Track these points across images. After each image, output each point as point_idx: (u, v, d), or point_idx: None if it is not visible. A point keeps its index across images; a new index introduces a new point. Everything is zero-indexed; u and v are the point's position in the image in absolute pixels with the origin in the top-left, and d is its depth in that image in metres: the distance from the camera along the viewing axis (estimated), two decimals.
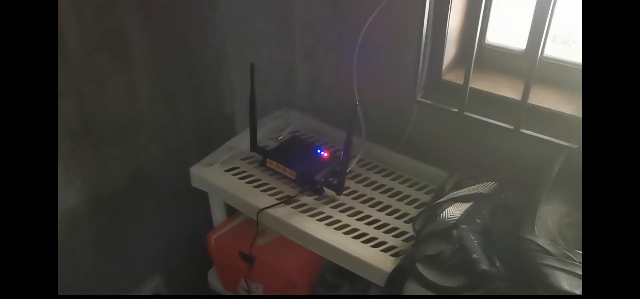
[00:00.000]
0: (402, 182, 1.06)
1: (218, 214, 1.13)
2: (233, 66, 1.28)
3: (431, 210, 0.90)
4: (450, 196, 0.91)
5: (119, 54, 1.01)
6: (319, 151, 1.08)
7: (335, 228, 0.93)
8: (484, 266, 0.77)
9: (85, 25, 0.92)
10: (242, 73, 1.28)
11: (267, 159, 1.07)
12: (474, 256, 0.78)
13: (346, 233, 0.92)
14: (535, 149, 0.96)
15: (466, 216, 0.85)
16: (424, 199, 1.01)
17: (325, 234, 0.92)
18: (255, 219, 0.98)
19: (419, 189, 1.04)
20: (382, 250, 0.88)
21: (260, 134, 1.11)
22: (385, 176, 1.08)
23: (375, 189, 1.05)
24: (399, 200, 1.02)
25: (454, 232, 0.82)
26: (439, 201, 0.90)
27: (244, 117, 1.31)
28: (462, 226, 0.83)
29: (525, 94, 0.93)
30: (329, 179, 1.03)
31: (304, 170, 1.03)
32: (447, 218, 0.84)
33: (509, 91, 1.02)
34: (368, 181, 1.07)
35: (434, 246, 0.83)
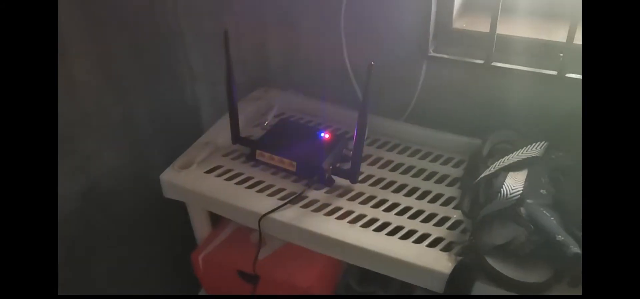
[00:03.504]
0: (423, 158, 0.89)
1: (202, 228, 0.90)
2: (190, 43, 1.04)
3: (480, 186, 0.73)
4: (500, 165, 0.74)
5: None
6: (319, 133, 0.88)
7: (361, 226, 0.74)
8: (575, 248, 0.61)
9: None
10: (203, 50, 1.05)
11: (257, 151, 0.86)
12: (559, 237, 0.62)
13: (377, 230, 0.74)
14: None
15: (529, 188, 0.68)
16: (454, 174, 0.84)
17: (353, 235, 0.72)
18: (257, 228, 0.77)
19: (444, 164, 0.87)
20: (428, 246, 0.70)
21: (239, 122, 0.89)
22: (400, 152, 0.90)
23: (393, 169, 0.86)
24: (425, 179, 0.84)
25: (522, 210, 0.66)
26: (488, 173, 0.73)
27: (210, 104, 1.09)
28: (528, 200, 0.67)
29: (571, 33, 0.77)
30: (338, 166, 0.84)
31: (306, 158, 0.83)
32: (510, 194, 0.67)
33: (535, 32, 0.86)
34: (382, 162, 0.88)
35: (502, 231, 0.66)
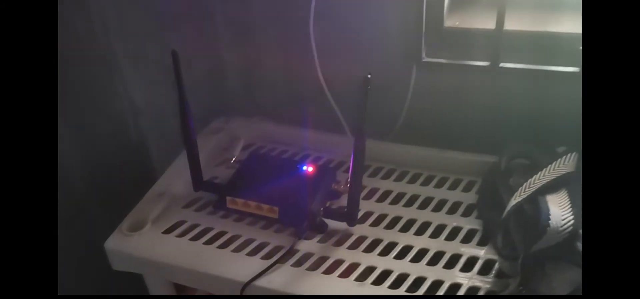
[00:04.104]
0: (425, 184, 0.75)
1: None
2: (129, 72, 0.85)
3: (511, 217, 0.59)
4: (532, 188, 0.60)
5: None
6: (300, 166, 0.72)
7: (372, 283, 0.59)
8: None
9: None
10: (145, 80, 0.87)
11: (227, 198, 0.69)
12: None
13: (394, 286, 0.58)
14: None
15: (578, 215, 0.55)
16: (467, 200, 0.71)
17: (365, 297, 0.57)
18: None
19: (451, 188, 0.73)
20: None
21: (201, 163, 0.72)
22: (397, 180, 0.76)
23: (393, 202, 0.72)
24: (434, 210, 0.70)
25: (578, 245, 0.52)
26: (520, 199, 0.60)
27: (160, 144, 0.90)
28: (580, 231, 0.54)
29: None
30: (328, 205, 0.68)
31: (289, 201, 0.67)
32: (560, 226, 0.54)
33: (542, 25, 0.74)
34: (379, 193, 0.73)
35: (559, 276, 0.52)
